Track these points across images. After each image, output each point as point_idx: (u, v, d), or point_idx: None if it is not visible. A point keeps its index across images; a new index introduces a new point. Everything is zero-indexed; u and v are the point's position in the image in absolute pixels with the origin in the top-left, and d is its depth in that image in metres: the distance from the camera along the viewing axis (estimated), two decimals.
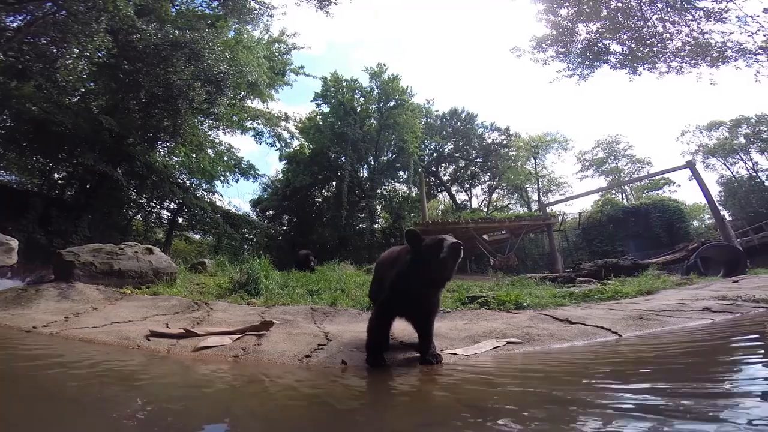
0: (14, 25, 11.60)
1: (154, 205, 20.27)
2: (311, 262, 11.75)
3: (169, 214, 20.89)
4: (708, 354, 2.85)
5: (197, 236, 23.74)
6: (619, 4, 13.34)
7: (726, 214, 32.01)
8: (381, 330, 3.04)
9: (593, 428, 1.52)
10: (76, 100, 15.66)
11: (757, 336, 3.42)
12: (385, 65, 27.36)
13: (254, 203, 29.08)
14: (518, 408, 1.93)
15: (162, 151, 19.32)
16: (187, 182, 21.02)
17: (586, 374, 2.62)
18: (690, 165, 17.81)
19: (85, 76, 13.46)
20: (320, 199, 29.27)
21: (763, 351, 2.85)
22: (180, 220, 21.14)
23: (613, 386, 2.25)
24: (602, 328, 3.94)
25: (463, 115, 37.13)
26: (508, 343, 3.55)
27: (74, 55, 11.21)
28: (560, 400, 2.03)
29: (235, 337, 3.54)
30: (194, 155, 20.08)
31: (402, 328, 3.53)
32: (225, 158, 22.44)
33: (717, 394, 1.86)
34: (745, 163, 36.22)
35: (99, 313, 4.69)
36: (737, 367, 2.47)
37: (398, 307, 2.98)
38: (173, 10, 16.69)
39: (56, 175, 17.53)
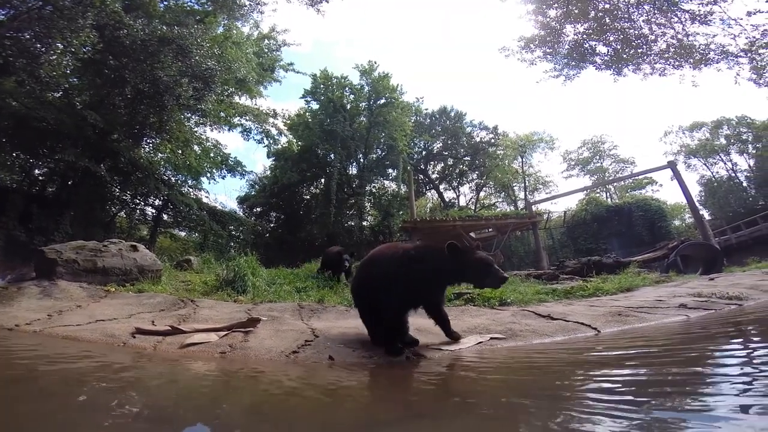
0: None
1: (138, 201, 19.98)
2: (345, 262, 8.07)
3: (153, 211, 20.64)
4: (681, 350, 2.97)
5: (183, 233, 23.52)
6: (607, 6, 13.53)
7: (705, 214, 32.85)
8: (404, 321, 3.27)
9: (570, 419, 1.59)
10: (59, 95, 15.32)
11: (728, 332, 3.57)
12: (375, 63, 27.43)
13: (241, 200, 28.91)
14: (500, 399, 2.00)
15: (147, 147, 19.07)
16: (173, 179, 20.77)
17: (565, 368, 2.72)
18: (671, 165, 18.19)
19: (69, 72, 13.16)
20: (308, 196, 29.19)
21: (732, 346, 2.99)
22: (165, 216, 20.89)
23: (589, 380, 2.34)
24: (582, 324, 4.05)
25: (452, 114, 37.39)
26: (491, 338, 3.64)
27: (58, 51, 10.97)
28: (539, 392, 2.11)
29: (222, 333, 3.56)
30: (180, 151, 19.87)
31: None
32: (212, 155, 22.25)
33: (687, 392, 1.95)
34: (725, 163, 37.23)
35: (83, 310, 4.65)
36: (708, 363, 2.58)
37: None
38: (162, 5, 16.45)
39: (37, 171, 17.18)
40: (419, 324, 4.21)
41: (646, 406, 1.64)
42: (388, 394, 2.39)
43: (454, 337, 3.44)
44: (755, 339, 3.19)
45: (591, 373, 2.47)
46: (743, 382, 1.90)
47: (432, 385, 2.47)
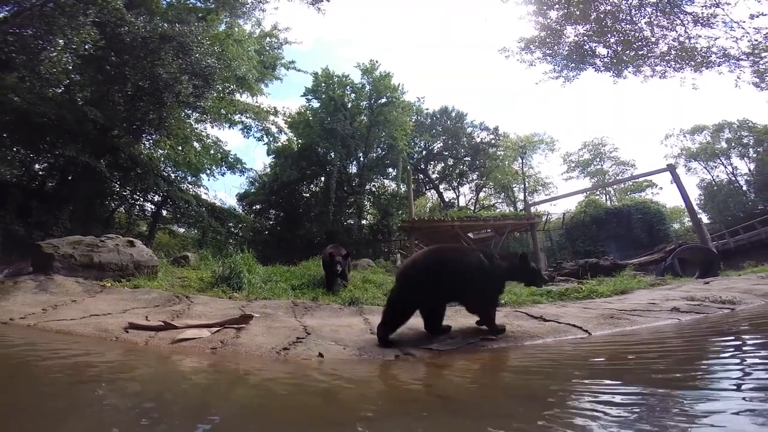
0: (0, 15, 11.36)
1: (137, 197, 19.94)
2: (337, 265, 6.70)
3: (153, 207, 20.61)
4: (668, 353, 2.99)
5: (182, 230, 23.51)
6: (608, 8, 13.50)
7: (705, 218, 32.81)
8: None
9: (551, 420, 1.61)
10: (60, 91, 15.34)
11: (716, 336, 3.59)
12: (377, 62, 27.33)
13: (241, 197, 28.87)
14: (482, 399, 2.03)
15: (147, 144, 19.07)
16: (173, 175, 20.76)
17: (552, 370, 2.74)
18: (670, 168, 18.15)
19: (70, 68, 13.17)
20: (308, 194, 29.17)
21: (719, 350, 3.01)
22: (164, 212, 20.87)
23: (573, 380, 2.36)
24: (574, 326, 4.07)
25: (453, 114, 37.33)
26: (482, 339, 3.66)
27: (59, 48, 10.98)
28: (523, 392, 2.13)
29: (214, 329, 3.59)
30: (180, 148, 19.88)
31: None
32: (211, 151, 22.26)
33: (671, 395, 1.96)
34: (725, 167, 37.10)
35: (78, 305, 4.68)
36: (695, 367, 2.60)
37: None
38: (164, 2, 16.46)
39: (37, 166, 17.16)
40: (411, 323, 4.24)
41: (626, 406, 1.66)
42: (373, 392, 2.41)
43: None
44: (744, 343, 3.22)
45: (575, 373, 2.49)
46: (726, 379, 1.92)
47: (419, 383, 2.49)
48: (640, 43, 13.60)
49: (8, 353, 2.79)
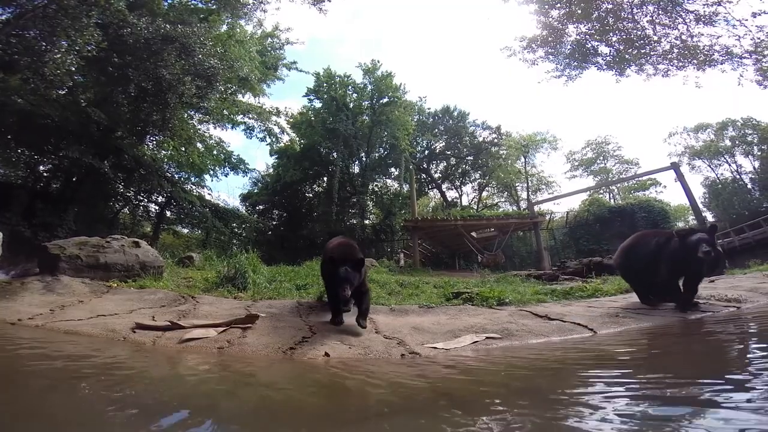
0: (3, 17, 11.41)
1: (141, 198, 20.00)
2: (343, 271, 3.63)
3: (156, 208, 20.67)
4: (674, 354, 2.98)
5: (185, 230, 23.56)
6: (610, 6, 13.48)
7: (709, 216, 32.70)
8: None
9: (556, 418, 1.62)
10: (63, 93, 15.39)
11: (721, 336, 3.58)
12: (378, 62, 27.39)
13: (244, 198, 28.94)
14: (487, 397, 2.03)
15: (150, 145, 19.13)
16: (176, 176, 20.84)
17: (557, 369, 2.75)
18: (674, 166, 18.13)
19: (73, 70, 13.21)
20: (311, 195, 29.25)
21: (720, 349, 3.01)
22: (168, 213, 20.93)
23: (579, 381, 2.37)
24: (579, 324, 4.07)
25: (455, 113, 37.30)
26: (487, 338, 3.67)
27: (63, 49, 11.00)
28: (528, 391, 2.14)
29: (221, 329, 3.60)
30: (183, 149, 19.93)
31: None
32: (215, 152, 22.32)
33: (675, 397, 1.97)
34: (729, 165, 36.94)
35: (85, 306, 4.70)
36: (698, 369, 2.60)
37: None
38: (165, 3, 16.49)
39: (41, 167, 17.23)
40: (416, 322, 4.25)
41: (621, 404, 1.67)
42: (377, 390, 2.42)
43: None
44: (750, 341, 3.21)
45: (582, 376, 2.50)
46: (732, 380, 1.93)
47: (425, 382, 2.49)
48: (642, 41, 13.58)
49: (18, 353, 2.81)
